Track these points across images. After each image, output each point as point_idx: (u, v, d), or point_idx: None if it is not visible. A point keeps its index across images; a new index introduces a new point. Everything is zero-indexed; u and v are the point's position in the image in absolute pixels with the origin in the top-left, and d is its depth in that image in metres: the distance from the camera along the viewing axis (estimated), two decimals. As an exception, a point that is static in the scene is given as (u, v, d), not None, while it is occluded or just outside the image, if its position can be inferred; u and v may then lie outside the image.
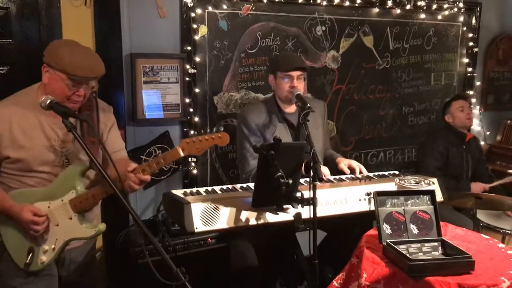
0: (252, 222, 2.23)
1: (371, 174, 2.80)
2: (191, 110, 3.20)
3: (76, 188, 2.03)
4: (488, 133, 4.61)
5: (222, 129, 2.11)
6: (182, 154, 1.98)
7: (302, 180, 2.46)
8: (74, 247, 2.16)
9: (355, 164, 2.78)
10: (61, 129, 2.03)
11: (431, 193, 2.27)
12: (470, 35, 4.26)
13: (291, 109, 2.85)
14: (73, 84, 1.95)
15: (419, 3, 3.90)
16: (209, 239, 2.89)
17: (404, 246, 2.06)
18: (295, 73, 2.71)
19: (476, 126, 4.50)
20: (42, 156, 2.03)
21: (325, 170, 2.69)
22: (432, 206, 2.23)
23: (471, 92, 4.36)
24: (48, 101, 1.89)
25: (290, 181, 1.98)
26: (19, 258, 2.06)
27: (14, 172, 2.04)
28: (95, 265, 2.50)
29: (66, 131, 1.98)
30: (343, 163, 2.79)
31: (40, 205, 2.03)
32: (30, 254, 2.03)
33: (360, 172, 2.73)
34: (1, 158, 2.01)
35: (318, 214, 2.04)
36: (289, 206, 2.15)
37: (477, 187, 3.50)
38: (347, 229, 2.72)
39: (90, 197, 2.02)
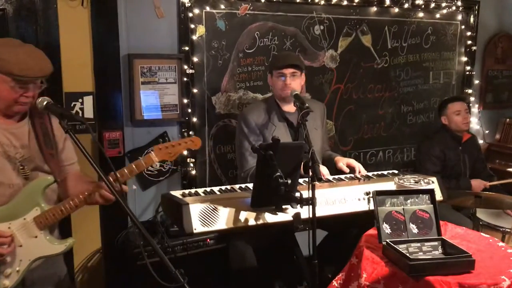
0: (251, 222, 2.23)
1: (370, 174, 2.80)
2: (189, 110, 3.19)
3: (40, 204, 1.87)
4: (487, 131, 4.60)
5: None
6: (156, 160, 1.96)
7: (301, 180, 2.46)
8: (34, 267, 1.91)
9: (354, 162, 2.78)
10: (12, 134, 1.89)
11: (431, 192, 2.26)
12: (469, 33, 4.25)
13: (291, 108, 2.85)
14: (20, 86, 1.81)
15: (417, 1, 3.88)
16: (208, 240, 2.88)
17: (404, 245, 2.05)
18: (287, 71, 2.74)
19: (475, 124, 4.50)
20: None
21: (324, 170, 2.69)
22: (432, 205, 2.23)
23: (470, 91, 4.36)
24: (45, 102, 1.84)
25: (289, 181, 1.97)
26: None
27: None
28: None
29: (18, 135, 1.89)
30: (342, 162, 2.80)
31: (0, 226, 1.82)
32: None
33: (359, 172, 2.73)
34: None
35: (317, 214, 2.03)
36: (288, 206, 2.15)
37: (478, 183, 3.50)
38: (347, 229, 2.71)
39: (57, 212, 1.87)
